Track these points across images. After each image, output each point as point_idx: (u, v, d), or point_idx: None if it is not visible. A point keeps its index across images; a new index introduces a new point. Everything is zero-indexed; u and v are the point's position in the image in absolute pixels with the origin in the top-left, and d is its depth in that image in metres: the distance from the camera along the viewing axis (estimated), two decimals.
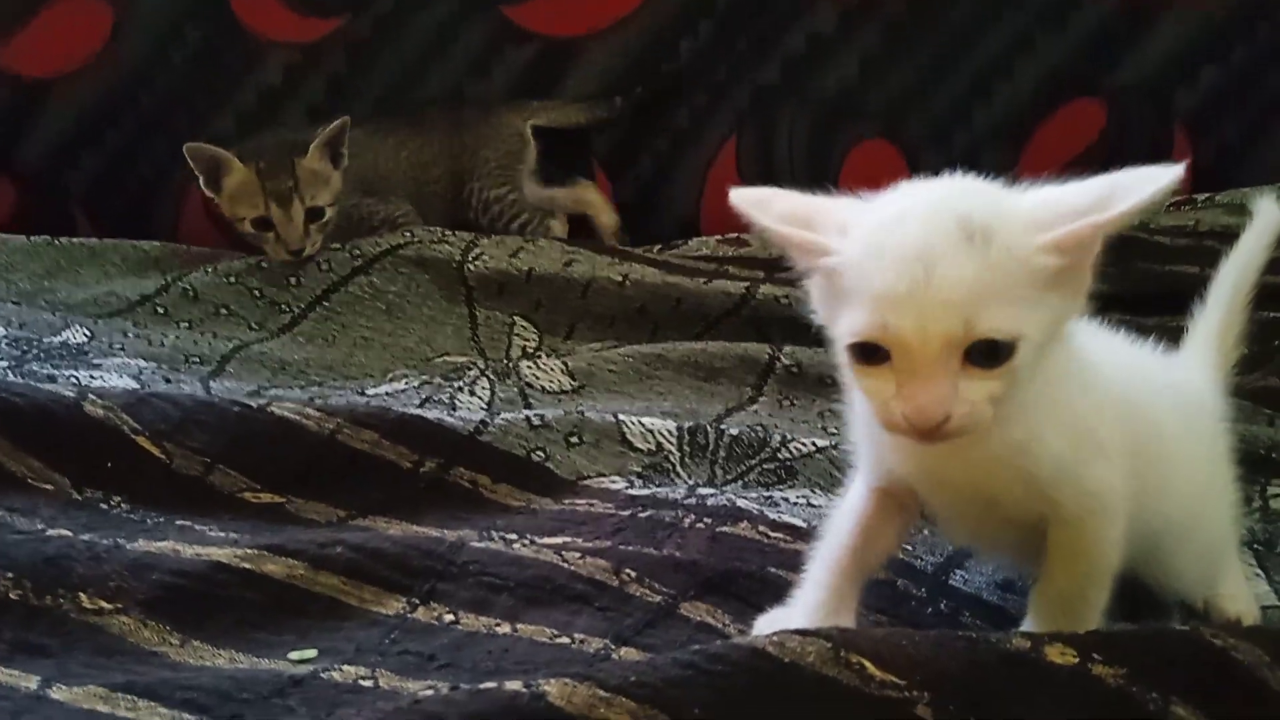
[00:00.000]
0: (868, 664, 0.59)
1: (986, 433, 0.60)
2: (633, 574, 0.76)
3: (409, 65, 1.52)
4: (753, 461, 0.96)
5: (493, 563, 0.76)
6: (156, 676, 0.67)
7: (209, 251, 1.39)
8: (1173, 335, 0.82)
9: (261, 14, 1.50)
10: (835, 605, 0.68)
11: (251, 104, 1.52)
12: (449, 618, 0.73)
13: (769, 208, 0.62)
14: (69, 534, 0.78)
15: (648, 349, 1.16)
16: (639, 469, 0.94)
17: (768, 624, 0.70)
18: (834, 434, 0.99)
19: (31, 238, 1.36)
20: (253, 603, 0.73)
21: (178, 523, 0.83)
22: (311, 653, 0.70)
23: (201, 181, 1.33)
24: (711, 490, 0.91)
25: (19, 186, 1.54)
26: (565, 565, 0.76)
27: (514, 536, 0.81)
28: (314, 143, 1.32)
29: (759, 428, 1.00)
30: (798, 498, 0.91)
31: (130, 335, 1.18)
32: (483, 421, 0.94)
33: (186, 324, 1.23)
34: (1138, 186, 0.58)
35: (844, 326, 0.59)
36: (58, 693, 0.64)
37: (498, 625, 0.72)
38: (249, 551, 0.75)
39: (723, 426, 1.00)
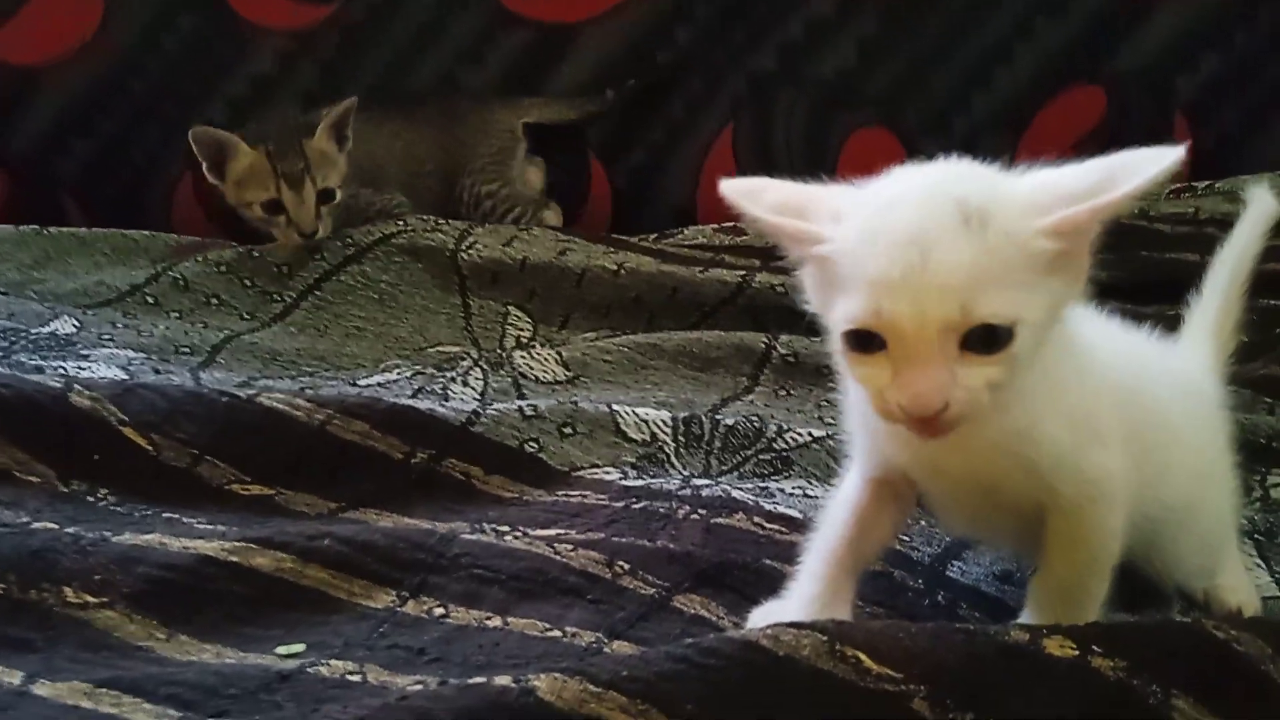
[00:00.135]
0: (863, 657, 0.58)
1: (985, 420, 0.59)
2: (626, 566, 0.75)
3: (402, 52, 1.51)
4: (748, 452, 0.95)
5: (484, 555, 0.75)
6: (142, 671, 0.66)
7: (200, 241, 1.38)
8: (1172, 323, 0.81)
9: (254, 0, 1.49)
10: (831, 597, 0.67)
11: (244, 91, 1.50)
12: (439, 611, 0.72)
13: (759, 198, 0.61)
14: (55, 527, 0.77)
15: (643, 339, 1.15)
16: (633, 460, 0.93)
17: (762, 617, 0.69)
18: (830, 424, 0.98)
19: (20, 227, 1.35)
20: (240, 596, 0.72)
21: (165, 515, 0.82)
22: (299, 647, 0.69)
23: (205, 167, 1.31)
24: (706, 481, 0.90)
25: (9, 175, 1.53)
26: (558, 558, 0.75)
27: (506, 528, 0.80)
28: (321, 124, 1.31)
29: (755, 418, 0.99)
30: (794, 489, 0.90)
31: (120, 325, 1.17)
32: (475, 412, 0.93)
33: (177, 314, 1.22)
34: (1138, 168, 0.57)
35: (838, 314, 0.58)
36: (41, 688, 0.63)
37: (489, 619, 0.71)
38: (237, 544, 0.74)
39: (718, 417, 0.99)
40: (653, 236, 1.42)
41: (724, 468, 0.94)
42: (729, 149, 1.53)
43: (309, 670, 0.66)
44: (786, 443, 0.95)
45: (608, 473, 0.91)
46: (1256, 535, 0.84)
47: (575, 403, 0.98)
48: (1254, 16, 1.49)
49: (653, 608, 0.72)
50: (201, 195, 1.52)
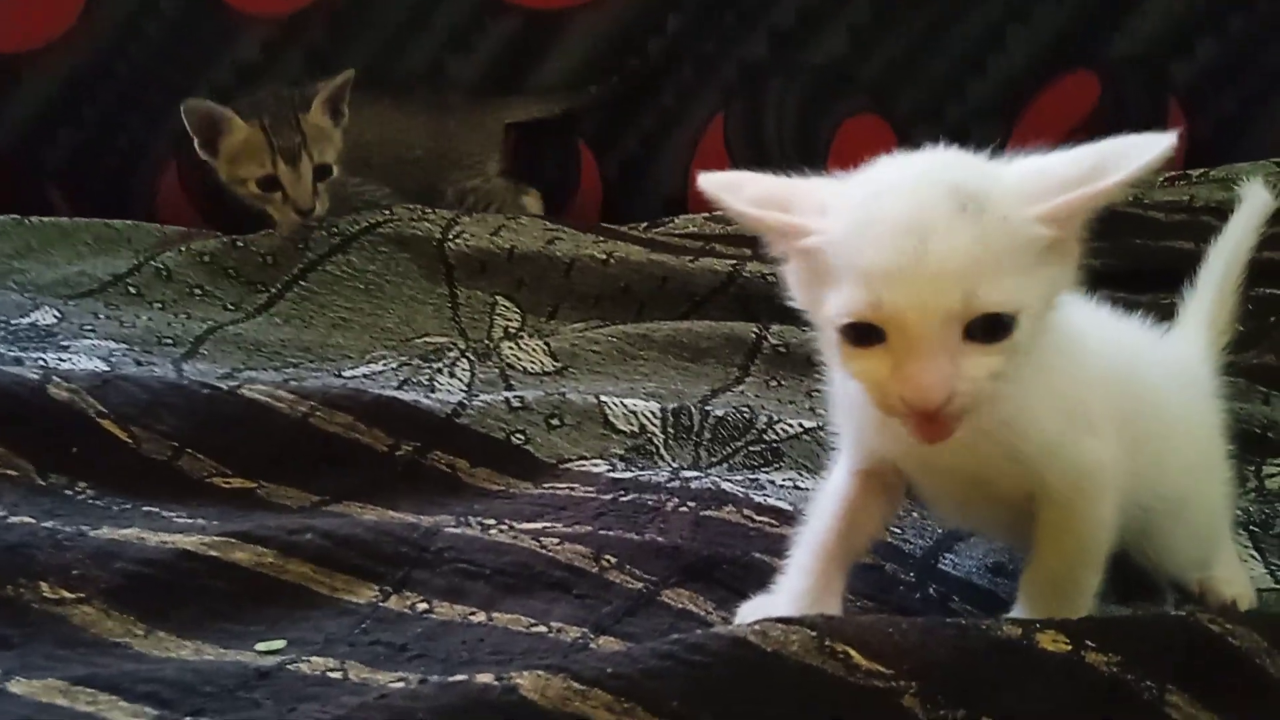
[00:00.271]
0: (853, 653, 0.57)
1: (976, 409, 0.57)
2: (613, 560, 0.74)
3: (389, 39, 1.49)
4: (738, 443, 0.94)
5: (469, 549, 0.74)
6: (119, 669, 0.65)
7: (183, 230, 1.37)
8: (1166, 311, 0.80)
9: None
10: (821, 591, 0.66)
11: (229, 78, 1.48)
12: (423, 606, 0.71)
13: (740, 191, 0.59)
14: (32, 521, 0.76)
15: (632, 329, 1.13)
16: (621, 452, 0.92)
17: (751, 611, 0.68)
18: (821, 415, 0.97)
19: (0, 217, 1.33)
20: (220, 592, 0.71)
21: (144, 509, 0.80)
22: (279, 644, 0.68)
23: (197, 143, 1.28)
24: (696, 473, 0.89)
25: None
26: (544, 551, 0.74)
27: (492, 522, 0.79)
28: (317, 97, 1.28)
29: (745, 409, 0.98)
30: (784, 480, 0.89)
31: (101, 316, 1.15)
32: (461, 404, 0.92)
33: (159, 304, 1.20)
34: (1131, 155, 0.56)
35: (832, 308, 0.56)
36: (17, 686, 0.62)
37: (473, 614, 0.70)
38: (216, 539, 0.73)
39: (708, 408, 0.97)
40: (643, 225, 1.41)
41: (714, 459, 0.93)
42: (720, 137, 1.51)
43: (289, 668, 0.65)
44: (777, 434, 0.94)
45: (596, 465, 0.90)
46: (1251, 527, 0.83)
47: (563, 394, 0.97)
48: (1251, 2, 1.48)
49: (640, 602, 0.71)
50: (187, 184, 1.50)
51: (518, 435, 0.92)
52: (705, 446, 0.94)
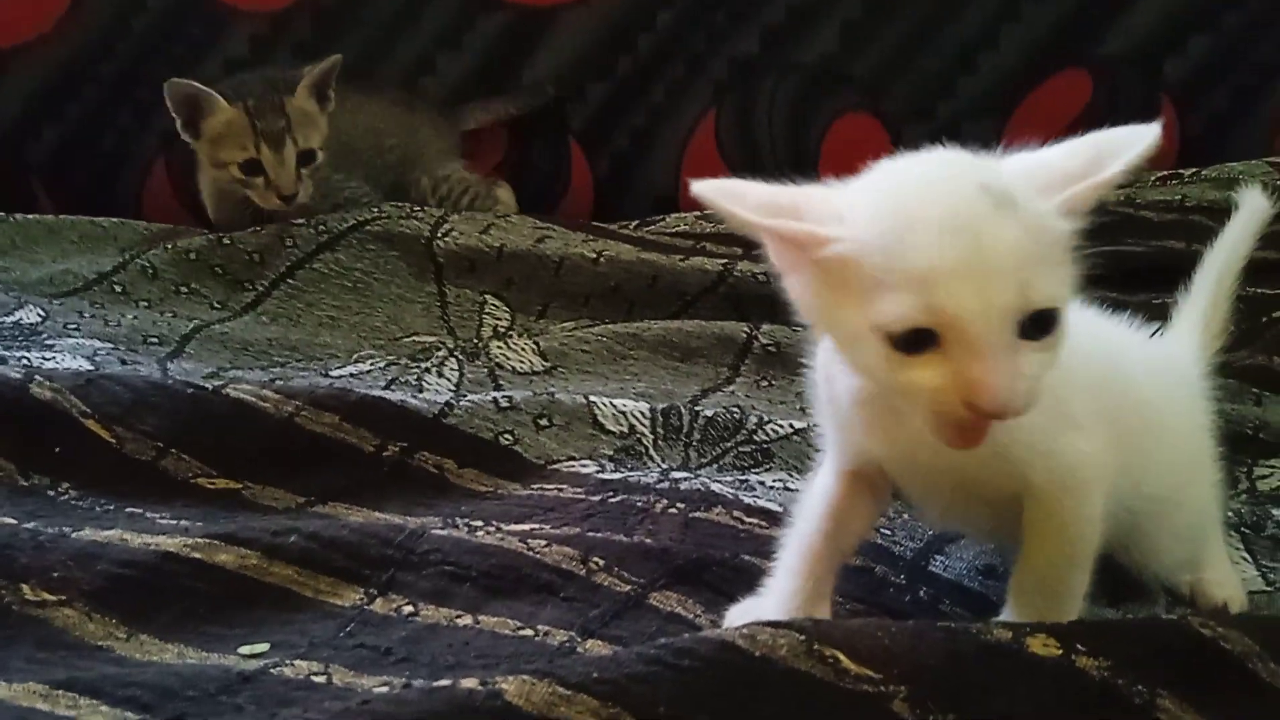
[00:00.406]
0: (842, 657, 0.56)
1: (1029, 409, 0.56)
2: (601, 562, 0.73)
3: (377, 35, 1.48)
4: (728, 444, 0.93)
5: (455, 551, 0.73)
6: (100, 672, 0.64)
7: (170, 228, 1.36)
8: (1158, 311, 0.80)
9: None
10: (810, 593, 0.66)
11: (216, 75, 1.46)
12: (408, 609, 0.70)
13: (743, 199, 0.57)
14: (13, 522, 0.75)
15: (622, 328, 1.13)
16: (611, 452, 0.91)
17: (740, 614, 0.67)
18: (812, 415, 0.96)
19: None
20: (203, 594, 0.70)
21: (127, 510, 0.80)
22: (263, 647, 0.67)
23: (179, 125, 1.27)
24: (685, 474, 0.89)
25: None
26: (531, 553, 0.73)
27: (479, 523, 0.78)
28: (303, 81, 1.27)
29: (735, 409, 0.97)
30: (774, 481, 0.88)
31: (86, 315, 1.14)
32: (448, 403, 0.91)
33: (145, 303, 1.19)
34: (1125, 145, 0.56)
35: (882, 316, 0.54)
36: None
37: (459, 617, 0.69)
38: (200, 541, 0.72)
39: (698, 408, 0.97)
40: (633, 224, 1.40)
41: (703, 460, 0.92)
42: (711, 135, 1.51)
43: (272, 671, 0.64)
44: (767, 434, 0.94)
45: (584, 465, 0.89)
46: (1243, 528, 0.83)
47: (552, 394, 0.96)
48: None
49: (628, 605, 0.70)
50: (175, 181, 1.49)
51: (506, 436, 0.91)
52: (695, 447, 0.93)
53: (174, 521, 0.78)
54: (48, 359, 1.01)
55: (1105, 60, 1.49)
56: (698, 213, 1.41)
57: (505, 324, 1.19)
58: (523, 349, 1.09)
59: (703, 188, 0.57)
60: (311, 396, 0.88)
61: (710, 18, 1.48)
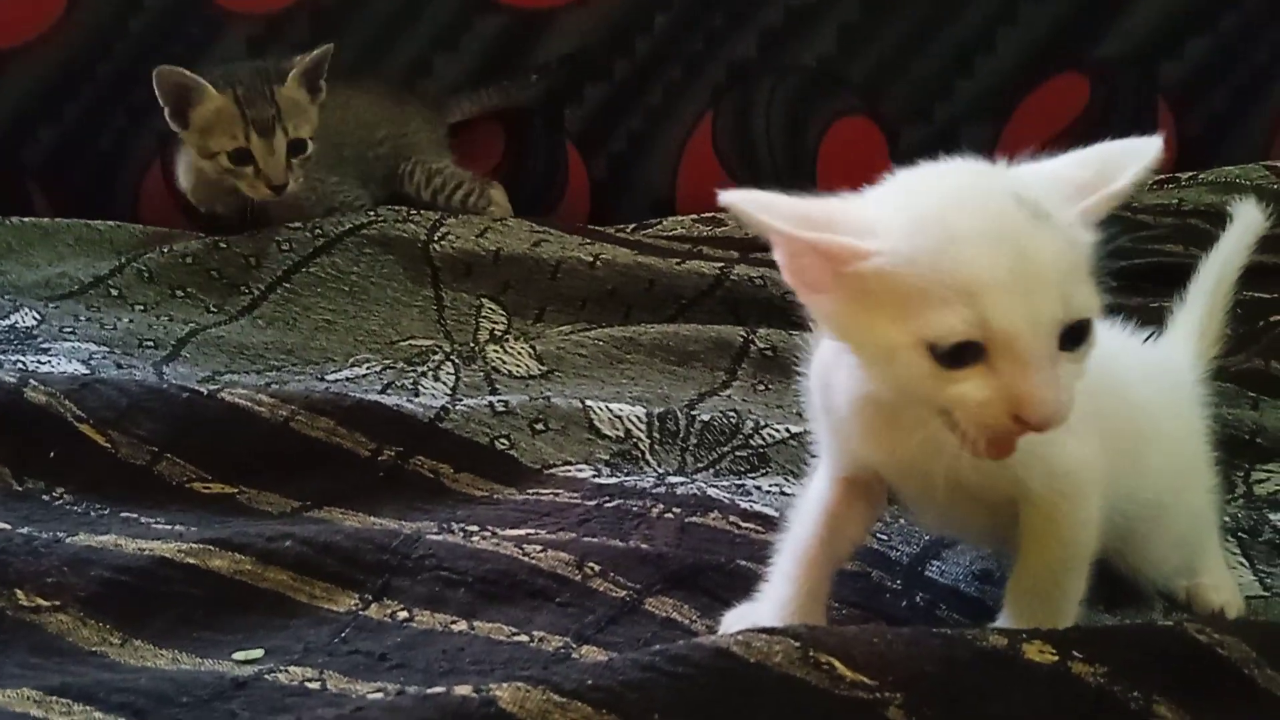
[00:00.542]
0: (837, 664, 0.56)
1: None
2: (596, 568, 0.73)
3: (374, 37, 1.48)
4: (725, 449, 0.93)
5: (450, 556, 0.73)
6: (94, 678, 0.64)
7: (166, 231, 1.35)
8: (1155, 315, 0.80)
9: None
10: (805, 600, 0.66)
11: None
12: (403, 615, 0.70)
13: (777, 210, 0.55)
14: (7, 527, 0.75)
15: (619, 332, 1.13)
16: (607, 457, 0.91)
17: (735, 620, 0.67)
18: (808, 419, 0.96)
19: None
20: (198, 600, 0.70)
21: (122, 515, 0.80)
22: (257, 653, 0.67)
23: (167, 113, 1.26)
24: (681, 479, 0.89)
25: None
26: (526, 559, 0.73)
27: (474, 528, 0.78)
28: (293, 70, 1.26)
29: (732, 413, 0.97)
30: (770, 486, 0.88)
31: (82, 319, 1.14)
32: (444, 408, 0.91)
33: (141, 307, 1.19)
34: (1132, 156, 0.57)
35: (927, 330, 0.53)
36: None
37: (453, 623, 0.69)
38: (194, 546, 0.72)
39: (694, 412, 0.97)
40: (630, 227, 1.40)
41: (700, 465, 0.92)
42: (709, 138, 1.50)
43: (266, 677, 0.64)
44: (763, 439, 0.94)
45: (581, 470, 0.89)
46: (1240, 533, 0.83)
47: (548, 399, 0.96)
48: (1240, 1, 1.48)
49: (623, 611, 0.70)
50: (171, 182, 1.49)
51: (502, 440, 0.91)
52: (691, 451, 0.93)
53: (168, 526, 0.78)
54: (43, 363, 1.01)
55: (1103, 63, 1.49)
56: (695, 216, 1.41)
57: (502, 328, 1.19)
58: (519, 353, 1.09)
59: (733, 197, 0.55)
60: (307, 400, 0.88)
61: (708, 20, 1.48)
